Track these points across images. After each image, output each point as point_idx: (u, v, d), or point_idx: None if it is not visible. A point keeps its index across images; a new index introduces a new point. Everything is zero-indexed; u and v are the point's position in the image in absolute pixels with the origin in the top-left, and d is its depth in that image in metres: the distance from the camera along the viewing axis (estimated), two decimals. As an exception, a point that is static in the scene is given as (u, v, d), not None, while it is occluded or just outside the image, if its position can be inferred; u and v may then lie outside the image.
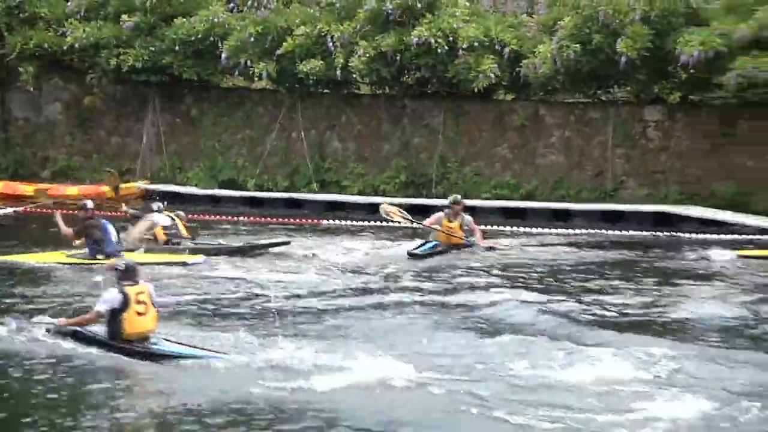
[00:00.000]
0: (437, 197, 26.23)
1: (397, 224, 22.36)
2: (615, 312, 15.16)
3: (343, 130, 28.71)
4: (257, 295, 16.34)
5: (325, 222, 25.23)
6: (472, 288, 16.97)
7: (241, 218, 25.64)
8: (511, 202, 26.21)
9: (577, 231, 23.87)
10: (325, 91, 28.45)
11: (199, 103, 30.08)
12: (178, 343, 12.20)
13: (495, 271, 18.47)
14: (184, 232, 20.07)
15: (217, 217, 25.84)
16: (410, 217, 21.70)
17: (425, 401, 10.57)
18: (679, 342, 13.14)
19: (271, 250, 20.39)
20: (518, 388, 11.06)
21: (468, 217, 20.67)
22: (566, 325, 14.25)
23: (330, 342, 12.98)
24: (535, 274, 18.43)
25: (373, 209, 24.10)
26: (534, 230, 24.03)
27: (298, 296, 16.25)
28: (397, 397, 10.75)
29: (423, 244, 20.20)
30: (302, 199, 27.63)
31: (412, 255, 19.78)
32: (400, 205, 22.71)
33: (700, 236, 22.67)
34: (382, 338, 13.18)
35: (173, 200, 26.90)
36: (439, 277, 17.91)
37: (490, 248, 20.51)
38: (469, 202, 25.43)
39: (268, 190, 28.61)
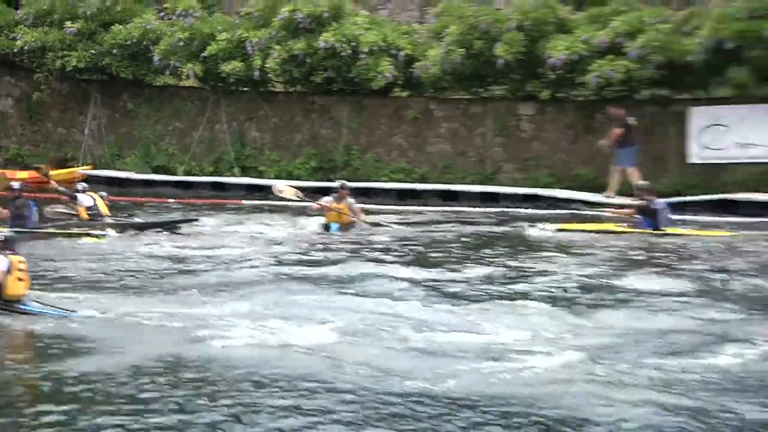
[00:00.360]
0: (342, 180, 26.97)
1: (290, 201, 22.35)
2: (486, 280, 15.19)
3: (261, 122, 28.88)
4: (173, 266, 16.39)
5: (245, 202, 25.63)
6: (364, 260, 16.91)
7: (171, 200, 25.81)
8: (406, 184, 26.57)
9: (460, 208, 24.32)
10: (245, 88, 28.60)
11: (135, 99, 30.20)
12: (43, 304, 12.77)
13: (385, 245, 18.59)
14: (104, 210, 20.22)
15: (151, 198, 26.02)
16: (302, 196, 21.91)
17: (317, 359, 10.60)
18: (542, 304, 13.36)
19: (197, 226, 20.55)
20: (404, 347, 11.15)
21: (351, 200, 20.80)
22: (446, 290, 14.31)
23: (238, 304, 13.07)
24: (419, 247, 18.57)
25: None
26: (425, 208, 24.42)
27: (216, 266, 16.25)
28: (288, 354, 10.80)
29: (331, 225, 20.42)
30: (226, 182, 27.90)
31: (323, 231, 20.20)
32: (307, 188, 23.18)
33: (562, 212, 23.17)
34: (282, 304, 13.08)
35: (112, 184, 27.34)
36: (337, 251, 17.96)
37: (376, 224, 20.85)
38: (370, 185, 26.35)
39: (196, 174, 28.78)
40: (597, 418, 8.66)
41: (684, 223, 20.91)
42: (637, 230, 19.87)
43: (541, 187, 25.41)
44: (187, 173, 28.97)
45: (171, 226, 20.33)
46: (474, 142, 26.82)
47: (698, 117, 24.57)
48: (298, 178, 26.93)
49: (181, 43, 28.20)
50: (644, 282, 14.97)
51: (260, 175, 28.02)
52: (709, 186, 24.14)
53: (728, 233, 19.95)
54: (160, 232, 19.99)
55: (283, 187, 22.57)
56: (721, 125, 24.32)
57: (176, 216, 22.45)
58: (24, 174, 28.50)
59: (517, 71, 25.64)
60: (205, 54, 27.97)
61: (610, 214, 21.36)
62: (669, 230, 19.78)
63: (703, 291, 14.33)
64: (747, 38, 22.90)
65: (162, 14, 29.47)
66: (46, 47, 29.50)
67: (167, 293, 14.07)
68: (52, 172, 26.27)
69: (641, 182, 21.17)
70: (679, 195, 23.62)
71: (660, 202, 20.16)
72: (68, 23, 29.34)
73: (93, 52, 29.13)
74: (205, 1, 30.06)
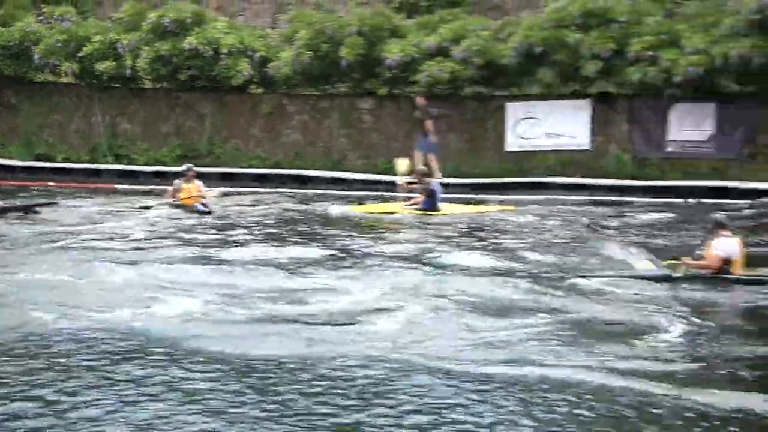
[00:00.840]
0: (205, 167, 26.05)
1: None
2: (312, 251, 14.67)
3: (132, 115, 28.46)
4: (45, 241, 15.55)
5: (118, 186, 25.38)
6: (214, 235, 16.34)
7: (50, 184, 25.26)
8: (262, 170, 26.62)
9: (311, 191, 24.41)
10: (117, 85, 28.18)
11: (18, 95, 29.42)
12: None
13: (236, 221, 18.29)
14: None
15: (33, 183, 25.33)
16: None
17: (177, 330, 9.82)
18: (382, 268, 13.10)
19: (67, 206, 19.83)
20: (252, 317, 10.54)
21: (199, 182, 20.32)
22: (299, 263, 13.64)
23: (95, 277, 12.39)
24: (269, 221, 18.33)
25: (157, 175, 24.52)
26: (278, 189, 24.42)
27: (90, 243, 15.41)
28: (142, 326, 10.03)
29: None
30: (101, 169, 27.46)
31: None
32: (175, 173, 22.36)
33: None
34: (139, 281, 12.19)
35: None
36: (194, 226, 17.54)
37: (225, 194, 20.83)
38: (230, 170, 26.36)
39: (74, 161, 28.20)
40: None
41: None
42: (419, 210, 19.84)
43: (379, 173, 25.46)
44: (66, 160, 28.37)
45: (31, 209, 19.06)
46: (322, 134, 26.92)
47: (513, 111, 25.16)
48: (164, 165, 26.75)
49: (59, 44, 27.68)
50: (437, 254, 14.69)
51: (131, 162, 27.70)
52: (523, 170, 24.78)
53: (498, 208, 20.50)
54: (21, 214, 18.74)
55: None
56: (532, 118, 24.97)
57: (40, 199, 21.13)
58: None
59: (358, 71, 25.74)
60: (81, 54, 27.52)
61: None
62: (445, 209, 19.97)
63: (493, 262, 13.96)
64: (552, 44, 23.58)
65: (41, 18, 28.83)
66: (-65, 47, 28.45)
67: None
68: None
69: (420, 167, 21.25)
70: (500, 178, 24.34)
71: (436, 183, 20.31)
72: (-47, 25, 28.47)
73: (-23, 52, 28.31)
74: (79, 7, 29.53)
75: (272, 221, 18.59)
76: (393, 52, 24.80)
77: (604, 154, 24.38)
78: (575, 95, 24.67)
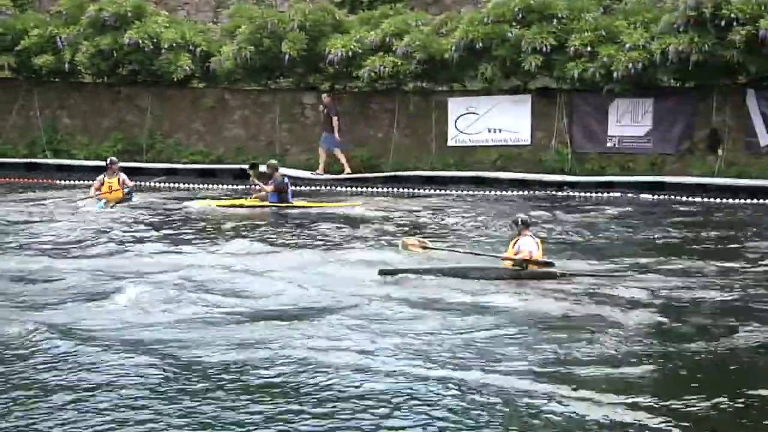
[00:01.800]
0: (147, 162, 26.39)
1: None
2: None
3: (72, 109, 28.08)
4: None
5: (58, 181, 25.12)
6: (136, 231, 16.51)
7: None
8: (204, 165, 26.34)
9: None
10: (56, 79, 27.72)
11: (-48, 88, 28.77)
12: None
13: (148, 219, 18.26)
14: None
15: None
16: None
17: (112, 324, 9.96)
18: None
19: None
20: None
21: (123, 175, 20.20)
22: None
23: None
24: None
25: (96, 169, 24.09)
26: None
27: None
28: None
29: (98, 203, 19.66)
30: (39, 163, 26.95)
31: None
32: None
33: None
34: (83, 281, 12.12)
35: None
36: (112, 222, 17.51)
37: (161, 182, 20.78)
38: (171, 165, 26.05)
39: (11, 156, 27.71)
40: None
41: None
42: (266, 204, 19.89)
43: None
44: (3, 155, 27.80)
45: None
46: (264, 128, 26.75)
47: (455, 106, 25.27)
48: (105, 159, 26.00)
49: (-4, 38, 27.07)
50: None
51: (71, 157, 27.25)
52: (464, 165, 24.90)
53: (353, 204, 20.64)
54: None
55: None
56: (473, 113, 25.08)
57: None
58: None
59: (300, 66, 25.64)
60: (18, 48, 26.99)
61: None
62: (295, 203, 20.06)
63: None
64: (493, 39, 23.69)
65: (-23, 11, 28.22)
66: None
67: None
68: None
69: (272, 161, 21.10)
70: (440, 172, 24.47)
71: (286, 178, 20.28)
72: None
73: None
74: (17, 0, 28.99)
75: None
76: (335, 47, 24.72)
77: (545, 149, 24.56)
78: (516, 90, 24.80)
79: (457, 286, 11.90)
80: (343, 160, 24.92)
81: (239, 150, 26.71)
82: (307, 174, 24.96)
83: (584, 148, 24.39)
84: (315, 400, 7.52)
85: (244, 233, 16.58)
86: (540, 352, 9.02)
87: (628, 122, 23.90)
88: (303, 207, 20.01)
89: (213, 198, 21.45)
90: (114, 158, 20.88)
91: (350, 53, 24.66)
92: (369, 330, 9.72)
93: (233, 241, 15.48)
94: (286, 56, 24.97)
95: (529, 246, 12.51)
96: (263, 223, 18.26)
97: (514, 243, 12.65)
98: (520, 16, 23.74)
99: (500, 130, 24.89)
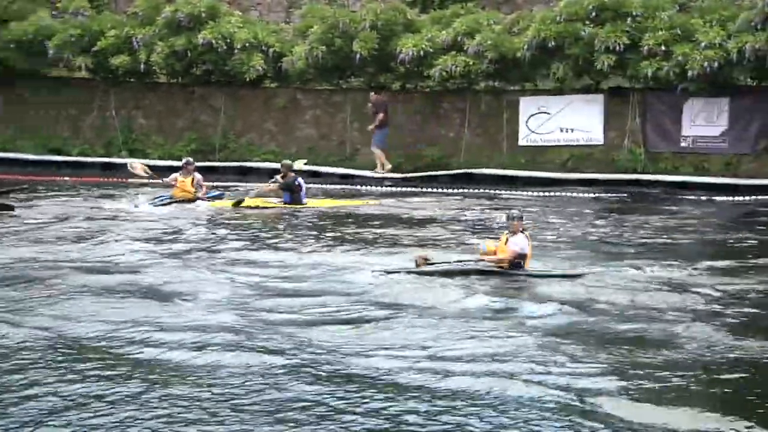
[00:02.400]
0: (220, 161, 26.70)
1: (141, 177, 21.81)
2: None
3: (147, 110, 28.48)
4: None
5: (131, 180, 24.79)
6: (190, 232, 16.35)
7: (66, 178, 25.15)
8: (276, 164, 25.62)
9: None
10: (132, 79, 28.13)
11: (31, 88, 29.36)
12: None
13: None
14: None
15: (45, 177, 25.19)
16: (151, 173, 21.38)
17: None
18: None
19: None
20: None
21: (198, 175, 20.20)
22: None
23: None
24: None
25: (171, 169, 24.33)
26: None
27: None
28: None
29: (161, 197, 19.90)
30: (116, 163, 27.10)
31: (153, 204, 19.44)
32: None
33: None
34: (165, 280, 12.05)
35: (9, 164, 26.96)
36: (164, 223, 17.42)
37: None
38: (246, 164, 26.38)
39: (88, 156, 28.22)
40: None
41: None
42: (280, 204, 19.76)
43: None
44: (81, 155, 28.36)
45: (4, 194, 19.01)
46: (335, 128, 26.86)
47: (526, 105, 25.11)
48: (179, 159, 26.23)
49: (74, 39, 27.59)
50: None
51: (146, 157, 27.34)
52: (535, 165, 24.73)
53: (361, 201, 20.58)
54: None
55: (136, 165, 22.13)
56: (545, 113, 24.90)
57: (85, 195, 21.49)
58: None
59: (371, 65, 25.69)
60: (95, 48, 27.44)
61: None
62: (309, 203, 19.91)
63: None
64: (566, 38, 23.48)
65: (55, 13, 28.83)
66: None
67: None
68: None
69: (286, 161, 20.92)
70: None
71: (299, 179, 20.03)
72: (-32, 21, 28.38)
73: (-9, 46, 28.23)
74: (94, 1, 29.48)
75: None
76: (407, 46, 24.73)
77: (617, 148, 24.28)
78: (588, 90, 24.57)
79: (515, 285, 11.80)
80: (383, 159, 25.13)
81: (311, 150, 26.80)
82: (369, 173, 25.17)
83: (658, 147, 24.07)
84: (409, 398, 7.50)
85: (288, 233, 16.50)
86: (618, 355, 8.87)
87: (703, 122, 23.53)
88: (317, 207, 19.76)
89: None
90: (190, 159, 21.06)
91: (421, 53, 24.67)
92: (448, 331, 9.65)
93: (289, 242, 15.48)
94: (358, 56, 25.07)
95: (519, 243, 12.22)
96: (290, 222, 18.01)
97: (506, 240, 12.36)
98: (594, 14, 23.49)
99: (572, 130, 24.68)
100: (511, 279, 12.14)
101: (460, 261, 12.65)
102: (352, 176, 25.35)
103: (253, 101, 27.60)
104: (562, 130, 24.75)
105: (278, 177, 20.21)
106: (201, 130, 27.90)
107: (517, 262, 12.26)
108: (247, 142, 27.53)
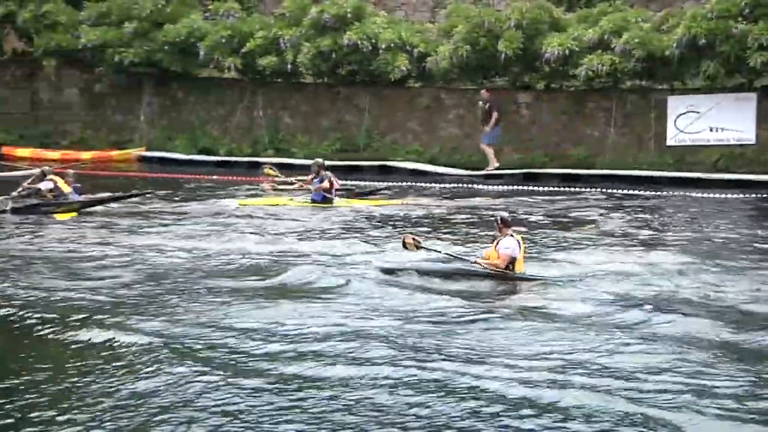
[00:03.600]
0: (363, 160, 26.91)
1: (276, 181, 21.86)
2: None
3: (293, 109, 29.00)
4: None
5: (278, 178, 25.57)
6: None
7: (214, 177, 25.54)
8: (419, 164, 26.30)
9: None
10: (279, 80, 28.70)
11: (183, 89, 30.36)
12: None
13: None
14: (65, 189, 18.60)
15: (195, 176, 25.59)
16: (283, 177, 21.79)
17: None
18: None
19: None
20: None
21: (328, 173, 19.88)
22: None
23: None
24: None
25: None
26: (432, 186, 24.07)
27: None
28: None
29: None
30: (260, 162, 27.03)
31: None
32: (335, 167, 22.28)
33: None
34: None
35: (162, 163, 27.87)
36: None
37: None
38: (388, 163, 26.50)
39: (235, 155, 28.91)
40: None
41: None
42: (312, 203, 19.59)
43: (537, 167, 25.27)
44: (228, 154, 29.08)
45: (125, 198, 19.21)
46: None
47: (675, 105, 24.59)
48: (324, 158, 26.62)
49: (223, 41, 28.34)
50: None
51: (291, 156, 27.90)
52: (683, 165, 24.18)
53: (395, 202, 20.08)
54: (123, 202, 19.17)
55: (269, 171, 22.66)
56: (695, 112, 24.33)
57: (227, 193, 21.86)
58: (88, 155, 29.01)
59: (516, 64, 25.62)
60: (244, 50, 28.12)
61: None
62: (339, 202, 19.61)
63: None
64: (717, 35, 22.89)
65: (207, 15, 29.64)
66: (106, 44, 29.58)
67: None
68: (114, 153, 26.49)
69: (319, 159, 20.63)
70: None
71: (333, 176, 19.80)
72: (126, 23, 29.47)
73: (146, 48, 29.26)
74: (244, 2, 30.17)
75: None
76: (552, 45, 24.56)
77: (771, 148, 23.55)
78: (740, 88, 23.91)
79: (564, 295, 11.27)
80: (491, 155, 25.06)
81: (454, 149, 26.90)
82: (482, 171, 25.10)
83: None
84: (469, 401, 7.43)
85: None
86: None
87: None
88: (348, 205, 19.53)
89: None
90: (320, 160, 20.71)
91: (567, 51, 24.46)
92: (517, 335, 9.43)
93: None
94: (503, 55, 24.99)
95: (510, 246, 11.80)
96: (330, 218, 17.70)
97: (497, 243, 12.00)
98: (747, 10, 22.83)
99: (723, 129, 24.02)
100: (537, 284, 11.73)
101: (450, 255, 12.41)
102: (460, 175, 25.04)
103: (397, 101, 27.80)
104: (711, 130, 24.12)
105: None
106: (345, 130, 28.26)
107: (509, 265, 11.83)
108: (391, 142, 27.77)
